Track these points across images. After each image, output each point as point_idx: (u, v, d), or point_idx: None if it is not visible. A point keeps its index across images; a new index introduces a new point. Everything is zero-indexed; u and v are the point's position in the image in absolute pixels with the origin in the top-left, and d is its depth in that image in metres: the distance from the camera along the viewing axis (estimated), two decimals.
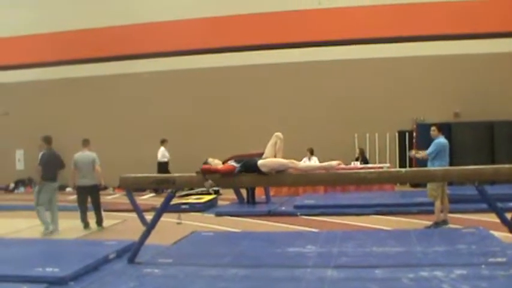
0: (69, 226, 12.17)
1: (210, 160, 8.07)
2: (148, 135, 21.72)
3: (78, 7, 22.70)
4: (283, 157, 8.05)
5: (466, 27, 19.74)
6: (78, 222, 12.50)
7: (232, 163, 7.97)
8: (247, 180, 8.35)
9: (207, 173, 7.76)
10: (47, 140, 12.25)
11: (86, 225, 12.54)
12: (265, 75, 20.96)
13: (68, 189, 12.96)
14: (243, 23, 21.36)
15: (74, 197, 12.95)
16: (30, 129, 21.70)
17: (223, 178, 7.85)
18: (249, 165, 7.92)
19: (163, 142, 20.14)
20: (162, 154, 20.02)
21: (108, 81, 22.62)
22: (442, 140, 11.48)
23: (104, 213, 13.04)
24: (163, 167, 19.50)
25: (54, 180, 12.02)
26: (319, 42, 20.16)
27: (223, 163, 8.06)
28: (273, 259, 8.44)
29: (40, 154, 12.33)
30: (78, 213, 12.54)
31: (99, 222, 12.67)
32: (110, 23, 22.14)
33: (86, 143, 13.00)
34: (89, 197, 12.66)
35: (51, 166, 12.00)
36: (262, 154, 15.84)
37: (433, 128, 11.87)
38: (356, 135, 20.48)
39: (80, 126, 20.27)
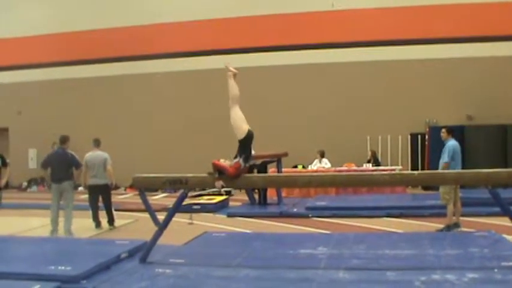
0: (81, 225, 12.19)
1: (222, 161, 8.08)
2: (160, 135, 21.79)
3: (90, 8, 22.85)
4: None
5: (481, 29, 19.66)
6: (90, 222, 12.53)
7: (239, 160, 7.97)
8: (259, 181, 8.36)
9: (217, 168, 7.76)
10: (61, 140, 12.08)
11: (98, 224, 12.58)
12: (277, 76, 20.94)
13: (80, 189, 12.99)
14: (255, 25, 21.38)
15: (86, 196, 12.98)
16: (42, 129, 21.87)
17: (234, 179, 7.84)
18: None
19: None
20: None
21: (120, 81, 22.69)
22: (452, 142, 11.43)
23: (115, 213, 13.07)
24: None
25: (59, 181, 11.61)
26: (332, 44, 20.15)
27: None
28: (284, 260, 8.43)
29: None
30: (89, 213, 12.58)
31: (111, 221, 12.71)
32: (122, 24, 22.24)
33: (97, 142, 13.03)
34: (100, 197, 12.70)
35: (56, 167, 11.76)
36: (272, 156, 15.93)
37: (443, 130, 11.84)
38: (368, 137, 20.43)
39: (92, 126, 20.34)
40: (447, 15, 20.03)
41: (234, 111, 8.03)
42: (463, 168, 11.29)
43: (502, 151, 18.39)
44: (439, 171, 10.62)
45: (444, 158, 11.29)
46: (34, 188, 23.49)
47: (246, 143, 7.96)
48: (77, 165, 11.94)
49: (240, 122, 7.96)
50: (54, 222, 11.55)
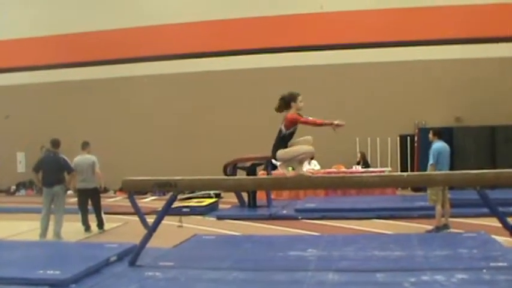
0: (71, 229, 12.14)
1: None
2: (150, 138, 21.76)
3: (79, 10, 22.69)
4: None
5: (469, 31, 19.72)
6: (79, 225, 12.48)
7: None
8: (248, 183, 8.36)
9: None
10: (53, 143, 12.06)
11: (87, 228, 12.54)
12: (265, 79, 20.91)
13: (69, 192, 12.96)
14: (244, 27, 21.35)
15: (75, 199, 12.96)
16: (31, 132, 21.74)
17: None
18: None
19: None
20: None
21: (110, 84, 22.59)
22: (437, 144, 11.48)
23: (105, 216, 13.03)
24: None
25: (51, 185, 11.60)
26: (321, 46, 20.15)
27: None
28: (274, 262, 8.44)
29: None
30: (79, 216, 12.54)
31: (100, 225, 12.68)
32: (111, 26, 22.15)
33: (85, 146, 13.00)
34: (90, 200, 12.68)
35: (48, 171, 11.73)
36: (264, 158, 15.94)
37: (430, 132, 11.95)
38: (357, 139, 20.45)
39: (82, 129, 20.24)
40: (436, 18, 20.09)
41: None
42: (451, 169, 11.33)
43: (490, 152, 18.45)
44: (428, 172, 10.66)
45: (430, 160, 11.37)
46: (22, 191, 23.35)
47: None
48: (69, 169, 11.93)
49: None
50: (44, 226, 11.52)
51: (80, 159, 12.67)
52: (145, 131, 22.01)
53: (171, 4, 22.09)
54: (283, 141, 7.78)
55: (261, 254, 9.13)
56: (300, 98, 7.88)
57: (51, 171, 11.67)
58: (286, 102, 7.84)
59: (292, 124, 7.68)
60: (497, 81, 19.57)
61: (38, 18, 22.92)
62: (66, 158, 12.00)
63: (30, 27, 22.70)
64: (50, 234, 11.46)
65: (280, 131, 7.77)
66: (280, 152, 7.75)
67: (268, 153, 8.37)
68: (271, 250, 9.37)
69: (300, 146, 7.83)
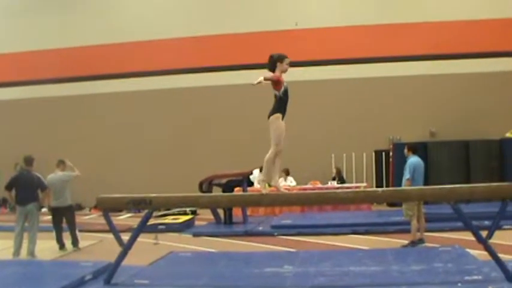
0: (45, 247, 12.03)
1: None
2: (126, 155, 21.63)
3: (58, 26, 22.60)
4: None
5: (441, 48, 20.00)
6: (53, 243, 12.37)
7: None
8: (223, 200, 8.35)
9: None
10: (26, 161, 11.98)
11: (62, 246, 12.42)
12: (241, 95, 20.92)
13: (44, 210, 12.85)
14: (218, 44, 21.42)
15: (49, 217, 12.83)
16: (5, 149, 21.48)
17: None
18: None
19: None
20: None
21: (84, 100, 22.43)
22: (412, 159, 11.60)
23: (80, 234, 12.92)
24: None
25: (24, 203, 11.46)
26: (295, 62, 20.18)
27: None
28: (250, 279, 8.42)
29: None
30: (53, 234, 12.43)
31: (75, 242, 12.57)
32: (86, 43, 22.10)
33: (60, 164, 12.92)
34: (64, 218, 12.57)
35: (22, 189, 11.58)
36: (240, 174, 15.93)
37: (405, 147, 12.07)
38: (333, 155, 20.52)
39: (57, 146, 20.06)
40: (408, 34, 20.34)
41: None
42: (426, 184, 11.42)
43: (464, 167, 18.58)
44: (403, 188, 10.73)
45: (405, 175, 11.45)
46: None
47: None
48: (43, 187, 11.83)
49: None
50: (18, 245, 11.38)
51: (54, 177, 12.58)
52: (121, 148, 21.88)
53: (150, 20, 22.07)
54: (280, 102, 7.89)
55: (237, 270, 9.09)
56: (287, 60, 8.01)
57: (25, 189, 11.55)
58: (273, 61, 7.99)
59: (278, 83, 7.81)
60: (471, 96, 19.80)
61: (11, 34, 22.77)
62: (40, 175, 11.91)
63: (2, 42, 22.54)
64: (23, 253, 11.33)
65: (275, 95, 7.90)
66: (274, 116, 7.85)
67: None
68: (247, 267, 9.34)
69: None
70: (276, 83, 7.74)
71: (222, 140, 20.98)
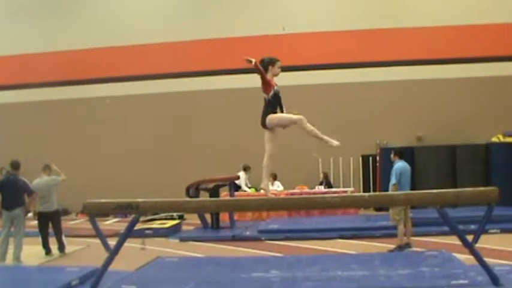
0: (31, 252, 11.98)
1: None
2: (112, 160, 21.56)
3: (52, 29, 22.47)
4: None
5: (428, 53, 20.10)
6: (39, 249, 12.32)
7: None
8: (210, 205, 8.34)
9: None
10: (13, 166, 11.92)
11: (48, 251, 12.37)
12: (227, 100, 20.96)
13: (29, 215, 12.80)
14: (205, 48, 21.43)
15: (35, 222, 12.77)
16: None
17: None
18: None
19: (246, 169, 18.83)
20: (245, 183, 18.91)
21: (69, 104, 22.28)
22: (399, 164, 11.67)
23: (66, 239, 12.88)
24: None
25: (10, 208, 11.44)
26: (283, 67, 20.24)
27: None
28: (237, 284, 8.41)
29: None
30: (39, 239, 12.37)
31: (61, 248, 12.52)
32: (69, 47, 22.02)
33: (46, 168, 12.86)
34: (50, 223, 12.51)
35: (8, 193, 11.58)
36: (224, 179, 15.93)
37: (392, 152, 12.13)
38: (320, 159, 20.53)
39: (42, 150, 19.92)
40: (396, 39, 20.43)
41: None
42: (413, 188, 11.47)
43: (451, 171, 18.64)
44: (389, 192, 10.76)
45: (392, 180, 11.50)
46: None
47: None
48: (29, 192, 11.79)
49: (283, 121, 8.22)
50: (4, 250, 11.32)
51: (40, 181, 12.53)
52: (108, 153, 21.79)
53: (145, 24, 21.99)
54: (269, 106, 8.03)
55: (224, 275, 9.08)
56: (278, 64, 8.14)
57: (12, 194, 11.52)
58: (264, 65, 8.06)
59: (268, 86, 7.95)
60: (458, 101, 19.89)
61: (5, 37, 22.66)
62: (26, 180, 11.86)
63: None
64: (9, 258, 11.27)
65: (264, 99, 8.02)
66: (270, 117, 8.00)
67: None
68: (234, 272, 9.32)
69: (288, 113, 8.19)
70: (266, 85, 7.75)
71: (209, 144, 20.94)
